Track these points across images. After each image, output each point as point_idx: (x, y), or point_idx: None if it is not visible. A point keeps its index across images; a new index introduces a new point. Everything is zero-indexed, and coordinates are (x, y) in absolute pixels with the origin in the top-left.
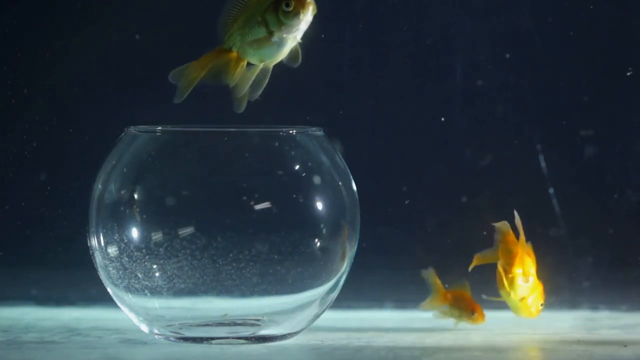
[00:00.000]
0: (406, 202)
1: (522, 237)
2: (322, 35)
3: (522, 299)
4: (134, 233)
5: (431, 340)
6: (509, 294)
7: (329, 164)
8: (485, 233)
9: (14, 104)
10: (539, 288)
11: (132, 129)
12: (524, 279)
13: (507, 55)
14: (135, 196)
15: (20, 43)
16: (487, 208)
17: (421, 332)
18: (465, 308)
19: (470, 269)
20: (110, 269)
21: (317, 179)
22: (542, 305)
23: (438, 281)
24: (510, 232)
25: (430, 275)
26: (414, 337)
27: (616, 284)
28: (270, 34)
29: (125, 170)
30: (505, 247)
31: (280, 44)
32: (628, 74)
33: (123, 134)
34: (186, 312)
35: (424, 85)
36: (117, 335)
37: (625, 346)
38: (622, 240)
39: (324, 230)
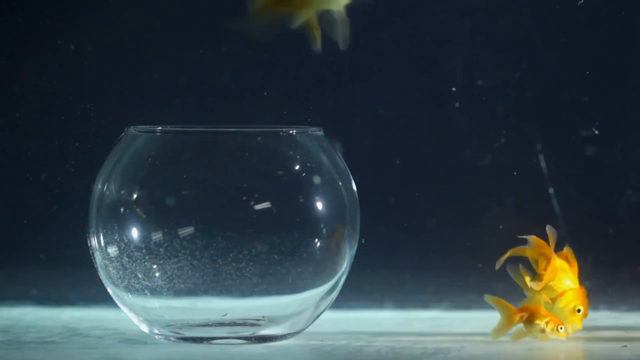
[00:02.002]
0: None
1: (552, 249)
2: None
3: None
4: (134, 233)
5: (431, 340)
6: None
7: (329, 164)
8: (478, 235)
9: (14, 104)
10: (569, 294)
11: (132, 129)
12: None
13: (509, 54)
14: (135, 196)
15: (21, 43)
16: (488, 208)
17: (421, 332)
18: (542, 322)
19: (498, 265)
20: (110, 269)
21: (317, 179)
22: (579, 311)
23: (503, 302)
24: (544, 244)
25: (493, 299)
26: (414, 337)
27: (616, 284)
28: None
29: (125, 170)
30: (537, 254)
31: None
32: (595, 131)
33: (123, 134)
34: (186, 312)
35: (424, 85)
36: (117, 335)
37: (625, 346)
38: (622, 240)
39: (324, 230)
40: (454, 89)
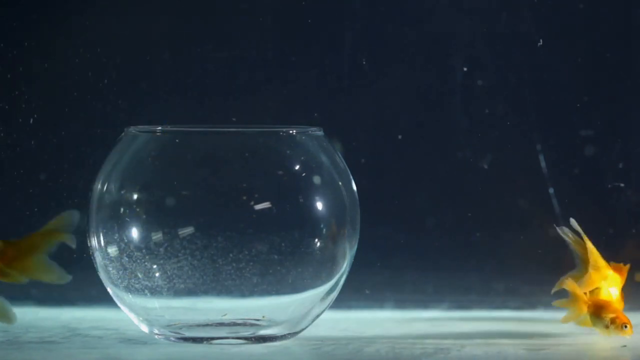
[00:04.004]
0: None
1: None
2: (334, 39)
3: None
4: (134, 233)
5: (431, 340)
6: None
7: (329, 164)
8: (478, 235)
9: (14, 104)
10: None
11: (132, 129)
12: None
13: (509, 53)
14: (135, 196)
15: (20, 43)
16: (488, 208)
17: (421, 331)
18: (608, 318)
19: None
20: (110, 269)
21: (317, 179)
22: (625, 326)
23: (578, 289)
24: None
25: (569, 283)
26: (414, 337)
27: None
28: None
29: (125, 170)
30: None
31: None
32: (614, 186)
33: (123, 134)
34: (186, 312)
35: (424, 84)
36: (117, 335)
37: (625, 346)
38: (622, 240)
39: (324, 230)
40: (465, 68)
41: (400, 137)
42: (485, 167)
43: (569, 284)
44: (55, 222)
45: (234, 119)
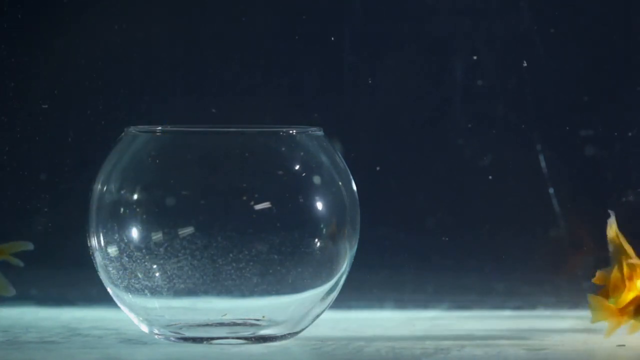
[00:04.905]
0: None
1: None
2: (332, 38)
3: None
4: (134, 233)
5: (431, 340)
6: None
7: (329, 164)
8: (478, 235)
9: (14, 104)
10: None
11: (132, 129)
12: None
13: (509, 55)
14: (135, 196)
15: (20, 43)
16: (488, 208)
17: (421, 331)
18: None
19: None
20: (110, 269)
21: (317, 179)
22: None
23: (605, 304)
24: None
25: (593, 299)
26: (414, 337)
27: None
28: None
29: (125, 170)
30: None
31: None
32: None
33: (123, 134)
34: (186, 312)
35: (424, 84)
36: (117, 335)
37: (624, 345)
38: None
39: (324, 230)
40: (476, 61)
41: (401, 141)
42: (490, 177)
43: (595, 299)
44: (6, 245)
45: (213, 110)
